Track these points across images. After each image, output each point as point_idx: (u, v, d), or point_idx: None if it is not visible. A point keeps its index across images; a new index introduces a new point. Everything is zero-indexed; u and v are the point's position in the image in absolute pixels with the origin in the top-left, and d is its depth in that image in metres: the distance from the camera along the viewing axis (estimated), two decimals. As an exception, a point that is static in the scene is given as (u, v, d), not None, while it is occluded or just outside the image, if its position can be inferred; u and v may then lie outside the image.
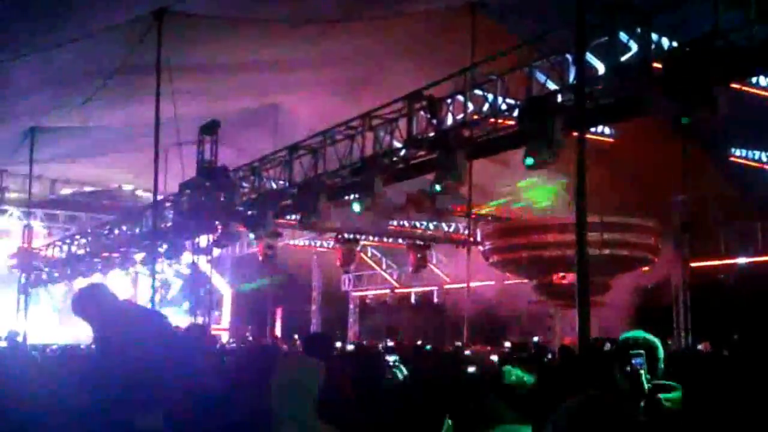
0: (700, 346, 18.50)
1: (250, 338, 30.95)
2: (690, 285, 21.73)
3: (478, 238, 23.90)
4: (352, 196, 14.84)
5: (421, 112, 13.14)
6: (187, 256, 23.32)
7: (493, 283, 25.98)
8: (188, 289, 31.29)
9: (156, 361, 4.52)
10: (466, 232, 23.18)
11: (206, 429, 5.18)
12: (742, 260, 21.79)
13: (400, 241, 26.77)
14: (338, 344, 19.79)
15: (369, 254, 33.14)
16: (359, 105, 15.10)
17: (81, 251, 26.77)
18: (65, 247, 27.68)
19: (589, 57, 10.42)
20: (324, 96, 20.52)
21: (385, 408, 7.59)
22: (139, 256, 23.32)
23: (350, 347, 20.45)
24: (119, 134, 21.94)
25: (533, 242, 21.88)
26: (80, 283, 28.43)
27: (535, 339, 21.55)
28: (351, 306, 36.44)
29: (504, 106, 12.00)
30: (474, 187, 17.17)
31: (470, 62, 13.99)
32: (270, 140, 19.65)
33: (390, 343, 22.77)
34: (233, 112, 20.32)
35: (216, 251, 21.85)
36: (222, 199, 17.78)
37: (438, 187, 12.51)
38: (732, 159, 19.35)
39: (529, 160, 10.82)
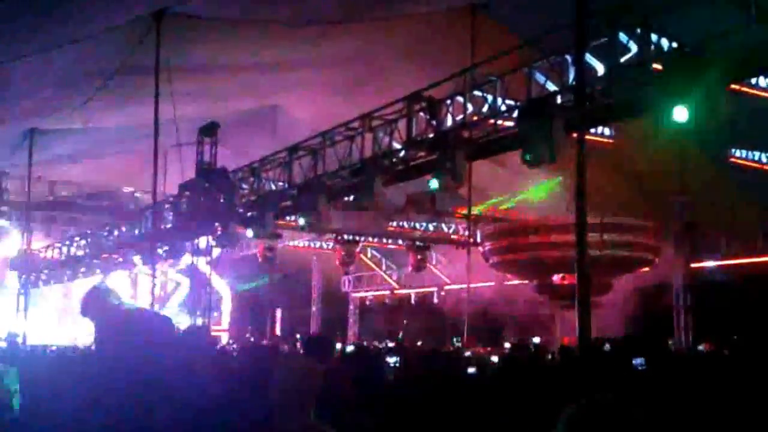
0: (701, 347, 18.51)
1: (252, 339, 30.95)
2: (690, 286, 21.72)
3: (478, 239, 23.90)
4: (351, 197, 14.85)
5: (421, 113, 13.13)
6: (186, 257, 23.28)
7: (492, 284, 25.99)
8: (189, 290, 31.27)
9: (156, 363, 4.51)
10: (466, 233, 23.17)
11: (206, 430, 5.17)
12: (742, 261, 21.79)
13: (400, 242, 26.77)
14: (338, 345, 19.79)
15: (369, 255, 33.14)
16: (359, 106, 15.07)
17: (80, 252, 26.77)
18: (64, 249, 27.67)
19: (589, 58, 10.42)
20: (323, 97, 20.51)
21: (384, 408, 7.60)
22: (137, 258, 23.30)
23: (350, 348, 20.45)
24: (119, 135, 21.92)
25: (533, 243, 21.90)
26: (79, 284, 28.50)
27: (536, 340, 21.56)
28: (351, 307, 36.47)
29: (503, 107, 11.99)
30: (473, 189, 17.18)
31: (470, 63, 13.98)
32: (269, 141, 19.63)
33: (390, 344, 22.78)
34: (232, 114, 20.31)
35: (216, 252, 21.82)
36: (221, 200, 17.78)
37: (437, 188, 12.49)
38: (732, 160, 19.33)
39: (528, 161, 10.82)
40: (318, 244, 31.53)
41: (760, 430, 7.23)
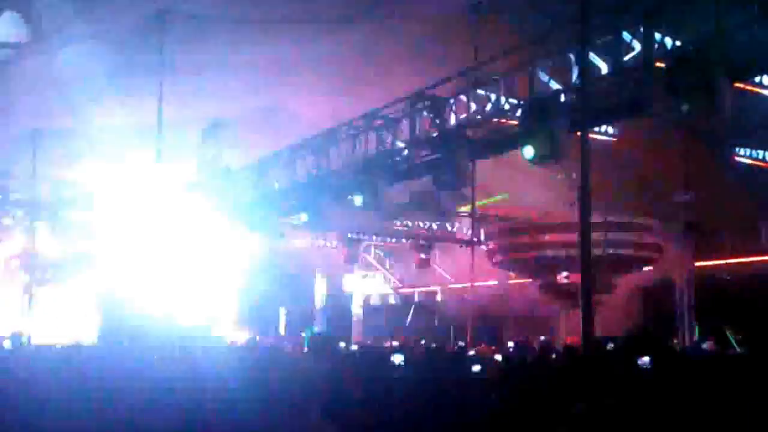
0: (705, 345, 18.49)
1: (257, 338, 30.92)
2: (693, 284, 21.70)
3: (482, 238, 23.89)
4: (355, 196, 14.85)
5: (424, 112, 13.14)
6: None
7: (496, 282, 25.99)
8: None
9: (165, 361, 4.54)
10: (470, 231, 23.16)
11: (212, 427, 5.20)
12: (745, 259, 21.77)
13: (404, 240, 26.78)
14: (342, 344, 19.80)
15: (372, 254, 33.13)
16: (362, 105, 15.08)
17: (85, 252, 26.76)
18: (68, 248, 27.67)
19: (592, 57, 10.42)
20: (327, 96, 20.50)
21: (390, 407, 7.61)
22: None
23: (354, 347, 20.47)
24: (122, 135, 21.94)
25: (537, 242, 21.89)
26: (83, 284, 28.55)
27: (542, 338, 21.54)
28: (354, 306, 36.45)
29: (507, 106, 11.99)
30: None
31: (473, 62, 13.98)
32: (273, 140, 19.63)
33: (395, 343, 22.79)
34: (236, 113, 20.31)
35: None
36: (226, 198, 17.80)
37: (442, 188, 12.51)
38: (736, 158, 19.31)
39: (532, 160, 10.83)
40: (322, 243, 31.54)
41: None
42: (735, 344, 17.69)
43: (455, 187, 12.77)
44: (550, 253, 21.26)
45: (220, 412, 5.11)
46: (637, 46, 10.11)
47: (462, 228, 25.48)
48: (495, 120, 12.29)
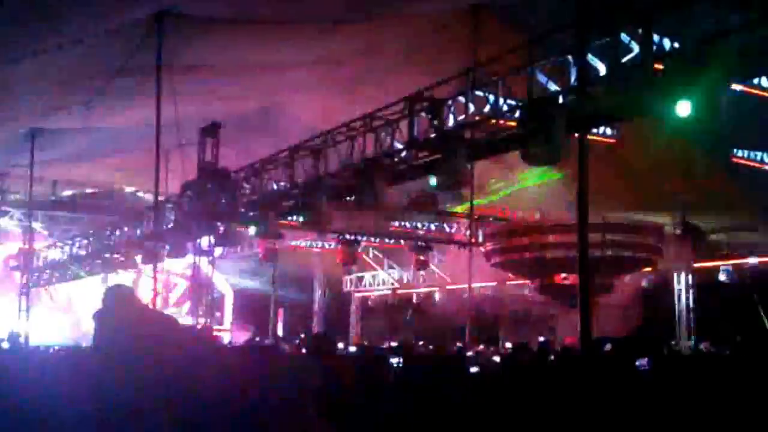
0: (700, 346, 18.53)
1: (257, 339, 30.90)
2: (692, 286, 21.72)
3: (480, 239, 23.89)
4: (353, 197, 14.85)
5: (423, 113, 13.13)
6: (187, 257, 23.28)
7: (494, 284, 26.00)
8: (190, 291, 31.28)
9: (158, 362, 4.52)
10: (468, 233, 23.16)
11: (205, 429, 5.17)
12: (744, 261, 21.79)
13: (402, 242, 26.77)
14: (340, 345, 19.81)
15: (371, 255, 33.15)
16: (360, 106, 15.08)
17: (82, 252, 26.78)
18: (66, 249, 27.69)
19: (591, 58, 10.42)
20: (325, 97, 20.49)
21: (388, 407, 7.60)
22: (139, 258, 23.30)
23: (352, 348, 20.46)
24: (120, 136, 21.93)
25: (535, 243, 21.89)
26: (81, 284, 28.56)
27: (541, 339, 21.55)
28: (353, 307, 36.47)
29: (505, 107, 11.99)
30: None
31: (472, 63, 13.97)
32: (271, 141, 19.63)
33: (393, 344, 22.77)
34: (234, 114, 20.29)
35: (218, 252, 21.83)
36: (223, 200, 17.79)
37: (439, 188, 12.51)
38: (734, 160, 19.32)
39: (530, 161, 10.84)
40: (320, 244, 31.54)
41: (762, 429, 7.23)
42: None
43: (454, 188, 12.77)
44: (548, 254, 21.25)
45: (216, 411, 5.08)
46: (636, 47, 10.10)
47: (460, 229, 25.47)
48: (493, 121, 12.28)
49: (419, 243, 24.84)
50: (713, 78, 8.83)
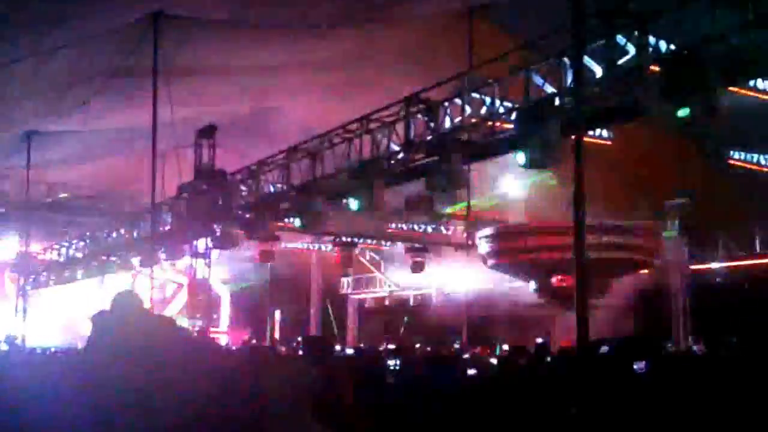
0: (695, 347, 18.54)
1: (254, 341, 30.88)
2: (689, 287, 21.74)
3: (476, 241, 23.90)
4: (350, 199, 14.85)
5: (419, 116, 13.14)
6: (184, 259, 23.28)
7: (491, 286, 25.99)
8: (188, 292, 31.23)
9: (156, 366, 4.51)
10: (464, 235, 23.17)
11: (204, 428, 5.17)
12: (740, 263, 21.81)
13: (399, 244, 26.77)
14: (337, 347, 19.78)
15: (367, 257, 33.13)
16: (357, 108, 15.09)
17: (79, 254, 26.75)
18: (63, 251, 27.65)
19: (587, 60, 10.42)
20: (322, 99, 20.51)
21: (384, 409, 7.59)
22: (136, 260, 23.29)
23: (349, 351, 20.44)
24: (117, 137, 21.92)
25: (532, 245, 21.89)
26: (78, 286, 28.51)
27: (539, 340, 21.54)
28: (350, 309, 36.44)
29: (501, 110, 11.99)
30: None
31: (468, 65, 13.98)
32: (268, 143, 19.63)
33: (390, 346, 22.76)
34: (231, 116, 20.31)
35: (215, 254, 21.84)
36: (220, 202, 17.78)
37: (435, 191, 12.51)
38: (730, 161, 19.36)
39: (525, 165, 10.84)
40: (317, 246, 31.52)
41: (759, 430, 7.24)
42: None
43: (450, 190, 12.77)
44: (544, 256, 21.26)
45: (212, 413, 5.08)
46: (632, 49, 10.11)
47: (457, 231, 25.47)
48: (490, 123, 12.29)
49: (416, 245, 24.85)
50: (709, 80, 8.84)
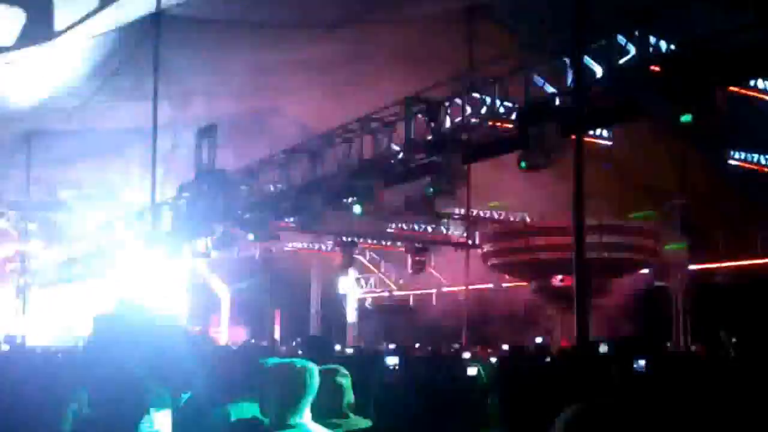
0: (693, 348, 18.54)
1: (252, 341, 30.87)
2: (689, 288, 21.73)
3: (477, 241, 23.90)
4: (350, 199, 14.84)
5: (420, 115, 13.13)
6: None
7: (491, 285, 26.00)
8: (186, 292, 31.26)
9: (156, 364, 4.52)
10: (465, 234, 23.17)
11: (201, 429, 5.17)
12: (741, 263, 21.80)
13: (399, 244, 26.77)
14: (337, 347, 19.77)
15: (368, 257, 33.14)
16: (357, 108, 15.09)
17: (79, 254, 26.73)
18: (63, 250, 27.64)
19: (587, 60, 10.42)
20: (322, 99, 20.52)
21: (384, 409, 7.58)
22: (136, 260, 23.25)
23: (349, 350, 20.43)
24: (117, 137, 21.93)
25: (532, 245, 21.90)
26: (77, 286, 28.50)
27: (539, 339, 21.54)
28: (349, 309, 36.44)
29: (502, 110, 11.99)
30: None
31: (468, 65, 13.98)
32: (268, 143, 19.63)
33: (390, 346, 22.76)
34: (231, 115, 20.31)
35: (214, 254, 21.82)
36: (220, 202, 17.76)
37: (436, 190, 12.50)
38: (731, 161, 19.35)
39: (524, 166, 10.84)
40: (317, 246, 31.53)
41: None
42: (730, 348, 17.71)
43: (450, 190, 12.76)
44: (544, 256, 21.26)
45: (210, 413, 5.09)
46: (632, 49, 10.11)
47: (457, 231, 25.47)
48: (490, 123, 12.28)
49: (416, 245, 24.84)
50: (710, 80, 8.83)
